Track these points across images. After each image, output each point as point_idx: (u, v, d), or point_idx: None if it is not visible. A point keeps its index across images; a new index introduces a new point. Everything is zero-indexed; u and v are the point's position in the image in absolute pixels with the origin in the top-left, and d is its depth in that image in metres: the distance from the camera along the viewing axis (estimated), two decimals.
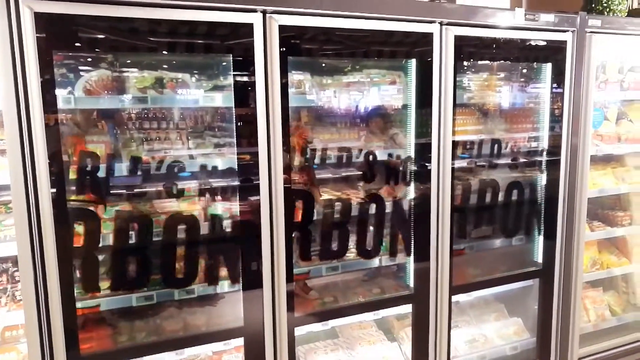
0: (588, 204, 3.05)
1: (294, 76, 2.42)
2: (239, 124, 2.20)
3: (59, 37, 1.87)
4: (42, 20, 1.78)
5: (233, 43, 2.12)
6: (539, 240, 3.04)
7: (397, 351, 2.90)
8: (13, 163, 1.81)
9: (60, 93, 1.93)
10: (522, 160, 3.10)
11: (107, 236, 2.18)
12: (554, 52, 2.82)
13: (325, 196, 2.70)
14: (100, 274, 2.26)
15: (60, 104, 1.92)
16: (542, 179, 3.01)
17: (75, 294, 2.00)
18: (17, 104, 1.78)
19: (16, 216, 1.84)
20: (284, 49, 2.16)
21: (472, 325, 3.19)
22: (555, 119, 2.92)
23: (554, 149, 2.94)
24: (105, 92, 2.15)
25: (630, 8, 3.49)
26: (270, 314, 2.32)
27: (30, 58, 1.77)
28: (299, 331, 2.48)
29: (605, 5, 3.13)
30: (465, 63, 2.80)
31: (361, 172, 2.88)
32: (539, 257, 3.05)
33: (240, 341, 2.40)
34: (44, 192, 1.85)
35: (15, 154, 1.80)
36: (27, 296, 1.90)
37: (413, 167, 2.63)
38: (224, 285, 2.37)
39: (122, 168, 2.22)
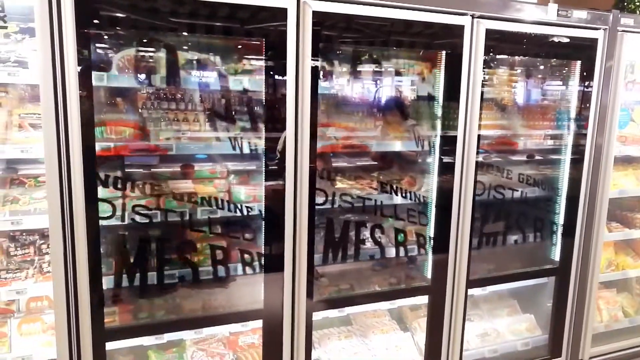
0: (608, 205, 3.03)
1: (321, 63, 2.42)
2: (267, 107, 2.21)
3: (96, 13, 1.87)
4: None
5: (266, 27, 2.11)
6: (558, 239, 3.04)
7: (409, 341, 2.92)
8: (48, 137, 1.83)
9: (93, 70, 1.95)
10: (543, 157, 3.09)
11: (133, 214, 2.21)
12: (584, 50, 2.79)
13: (341, 184, 2.70)
14: (125, 251, 2.31)
15: (94, 81, 1.94)
16: (564, 177, 2.99)
17: (101, 269, 2.03)
18: (54, 78, 1.80)
19: (49, 189, 1.87)
20: (316, 35, 2.16)
21: (484, 319, 3.20)
22: (581, 118, 2.90)
23: (578, 147, 2.92)
24: (135, 71, 2.16)
25: None
26: (290, 298, 2.35)
27: (69, 34, 1.79)
28: (314, 316, 2.50)
29: (637, 4, 3.09)
30: (493, 57, 2.78)
31: (379, 162, 2.90)
32: (557, 255, 3.05)
33: (256, 323, 2.43)
34: (77, 167, 1.88)
35: (51, 128, 1.83)
36: (56, 268, 1.93)
37: (436, 160, 2.63)
38: (245, 268, 2.40)
39: (149, 147, 2.24)
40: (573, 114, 2.93)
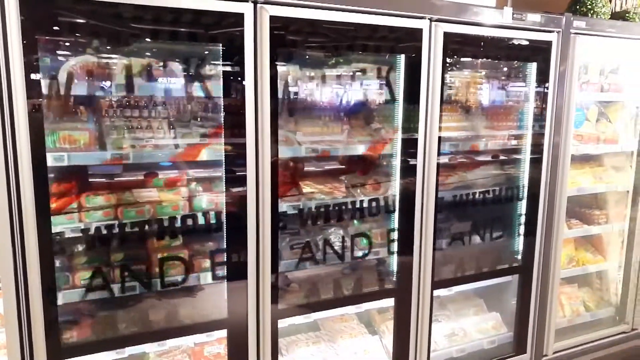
0: (567, 202, 3.11)
1: (280, 68, 2.40)
2: (226, 114, 2.18)
3: (43, 20, 1.81)
4: (26, 2, 1.73)
5: (223, 32, 2.09)
6: (520, 237, 3.10)
7: (378, 344, 2.92)
8: None
9: (43, 77, 1.88)
10: (504, 157, 3.15)
11: (89, 225, 2.15)
12: (539, 52, 2.86)
13: (308, 189, 2.69)
14: (82, 264, 2.23)
15: (44, 89, 1.87)
16: (524, 176, 3.06)
17: (56, 284, 1.96)
18: None
19: None
20: (274, 39, 2.14)
21: (451, 319, 3.24)
22: (538, 118, 2.97)
23: (536, 147, 2.99)
24: (89, 78, 2.10)
25: (613, 11, 3.55)
26: (254, 306, 2.32)
27: (14, 41, 1.72)
28: (281, 323, 2.48)
29: (589, 7, 3.18)
30: (452, 60, 2.82)
31: (345, 167, 2.90)
32: (519, 253, 3.11)
33: (223, 333, 2.39)
34: (26, 178, 1.81)
35: None
36: (7, 284, 1.85)
37: (399, 163, 2.64)
38: (208, 277, 2.35)
39: (104, 156, 2.17)
40: (531, 115, 2.99)
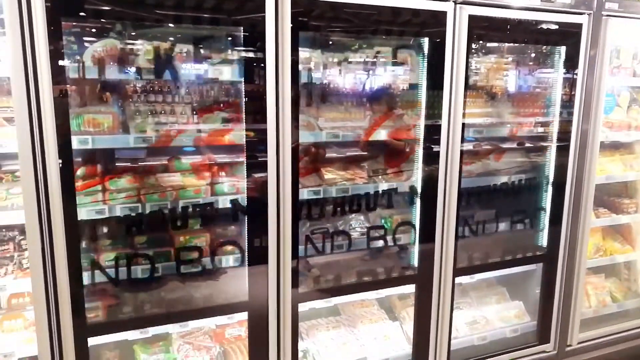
0: (595, 191, 3.03)
1: (302, 53, 2.38)
2: (248, 99, 2.18)
3: (68, 5, 1.84)
4: None
5: (245, 18, 2.08)
6: (545, 225, 3.03)
7: (398, 330, 2.92)
8: (21, 131, 1.79)
9: (68, 61, 1.91)
10: (530, 144, 3.08)
11: (114, 208, 2.19)
12: (568, 35, 2.77)
13: (329, 175, 2.69)
14: (106, 245, 2.29)
15: (69, 73, 1.90)
16: (550, 164, 2.99)
17: (81, 264, 2.01)
18: (25, 71, 1.76)
19: (24, 185, 1.84)
20: (296, 24, 2.13)
21: (473, 307, 3.21)
22: (566, 104, 2.88)
23: (564, 134, 2.91)
24: (113, 62, 2.12)
25: None
26: (275, 290, 2.34)
27: (39, 25, 1.75)
28: (301, 307, 2.49)
29: None
30: (477, 44, 2.76)
31: (366, 153, 2.88)
32: (544, 242, 3.05)
33: (243, 315, 2.42)
34: (52, 161, 1.85)
35: (23, 122, 1.79)
36: (35, 264, 1.91)
37: (421, 149, 2.61)
38: (229, 260, 2.38)
39: (127, 140, 2.20)
40: (559, 101, 2.91)
